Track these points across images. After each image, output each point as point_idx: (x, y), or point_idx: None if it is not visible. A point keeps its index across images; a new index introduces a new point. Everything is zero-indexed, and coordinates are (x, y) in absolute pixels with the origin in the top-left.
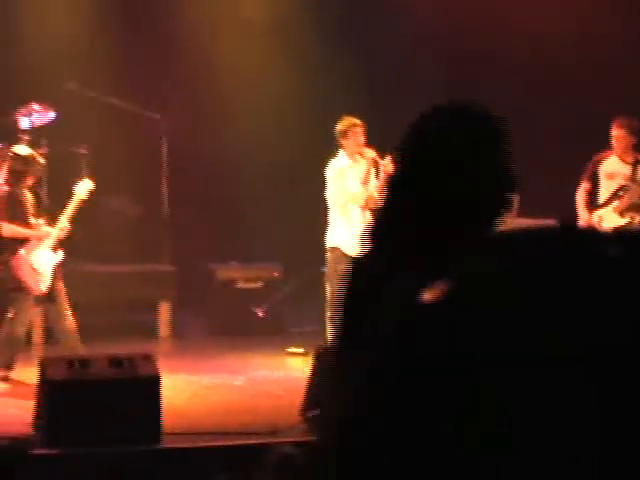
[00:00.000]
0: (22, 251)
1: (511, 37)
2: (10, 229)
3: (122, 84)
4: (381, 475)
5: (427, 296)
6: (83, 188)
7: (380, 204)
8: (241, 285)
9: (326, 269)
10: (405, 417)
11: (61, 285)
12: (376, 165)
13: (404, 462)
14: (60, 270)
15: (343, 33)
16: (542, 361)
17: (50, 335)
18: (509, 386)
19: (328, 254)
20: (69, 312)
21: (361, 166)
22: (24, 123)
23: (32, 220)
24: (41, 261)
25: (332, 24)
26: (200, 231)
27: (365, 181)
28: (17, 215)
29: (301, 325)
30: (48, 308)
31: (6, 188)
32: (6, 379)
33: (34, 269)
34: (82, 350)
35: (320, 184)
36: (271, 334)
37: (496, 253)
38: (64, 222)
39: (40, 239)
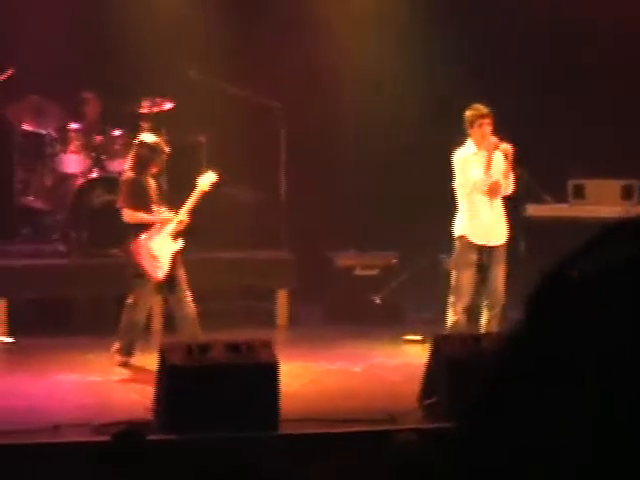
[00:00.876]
0: (143, 236)
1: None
2: (132, 215)
3: (241, 72)
4: (512, 459)
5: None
6: (207, 179)
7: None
8: (358, 272)
9: (444, 256)
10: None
11: (182, 272)
12: (498, 150)
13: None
14: (180, 258)
15: (457, 20)
16: None
17: (170, 322)
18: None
19: (456, 242)
20: (190, 299)
21: (485, 153)
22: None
23: (154, 208)
24: (161, 248)
25: (445, 11)
26: (318, 218)
27: (487, 168)
28: (140, 202)
29: (419, 312)
30: (168, 295)
31: (131, 175)
32: (126, 365)
33: (153, 255)
34: (201, 337)
35: (436, 170)
36: (389, 321)
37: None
38: (185, 212)
39: (160, 225)
